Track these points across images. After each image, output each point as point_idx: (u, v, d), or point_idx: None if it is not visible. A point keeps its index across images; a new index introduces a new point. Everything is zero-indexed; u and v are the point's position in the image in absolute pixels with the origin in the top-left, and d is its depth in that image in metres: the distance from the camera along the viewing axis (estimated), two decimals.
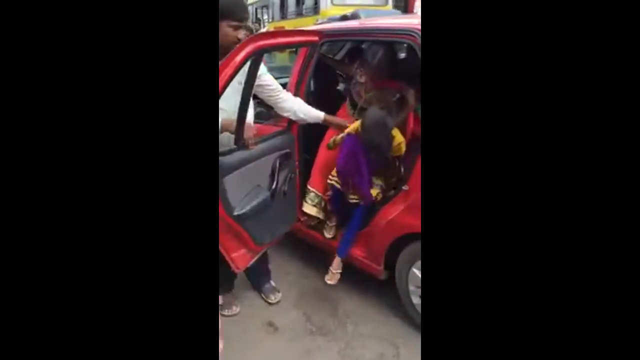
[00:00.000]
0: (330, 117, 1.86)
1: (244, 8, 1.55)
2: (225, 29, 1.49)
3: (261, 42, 1.40)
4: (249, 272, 1.98)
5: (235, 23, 1.50)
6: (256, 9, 9.47)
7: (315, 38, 1.68)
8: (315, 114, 1.79)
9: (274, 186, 1.67)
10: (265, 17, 9.21)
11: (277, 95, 1.70)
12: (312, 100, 1.97)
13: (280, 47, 1.96)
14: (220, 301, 1.93)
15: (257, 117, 1.92)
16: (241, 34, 1.56)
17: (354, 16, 2.33)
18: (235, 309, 1.91)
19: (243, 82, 1.50)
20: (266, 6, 9.10)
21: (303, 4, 7.45)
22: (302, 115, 1.74)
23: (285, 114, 1.75)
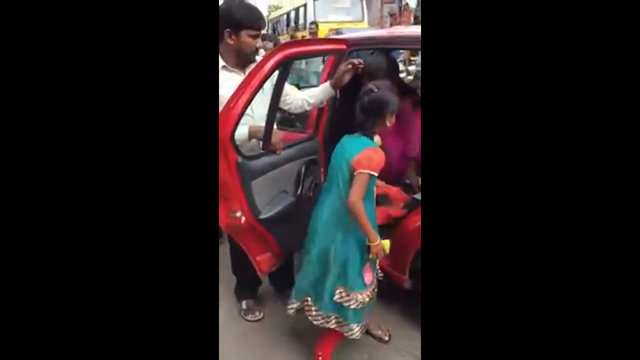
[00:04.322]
0: (335, 79, 1.70)
1: (261, 18, 1.62)
2: (246, 38, 1.55)
3: (290, 50, 1.44)
4: (273, 277, 1.99)
5: (254, 32, 1.56)
6: (272, 24, 12.63)
7: (343, 46, 1.71)
8: (323, 88, 1.73)
9: (299, 191, 1.68)
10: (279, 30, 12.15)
11: (289, 95, 1.73)
12: (339, 108, 1.98)
13: (308, 55, 1.99)
14: (244, 306, 1.94)
15: (280, 123, 1.95)
16: (259, 42, 1.65)
17: (339, 33, 2.38)
18: (259, 315, 1.92)
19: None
20: (279, 22, 12.22)
21: (298, 22, 10.28)
22: (313, 101, 1.75)
23: (299, 110, 1.78)
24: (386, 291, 1.96)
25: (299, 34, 8.98)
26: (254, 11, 1.57)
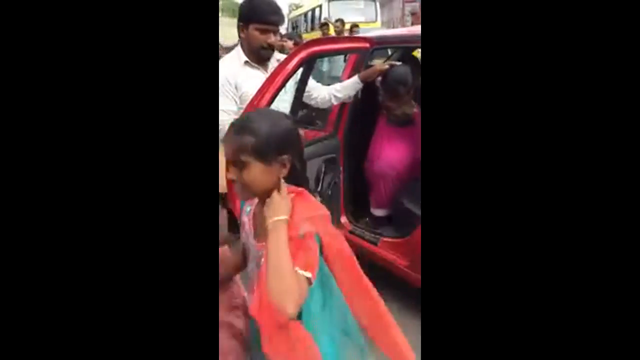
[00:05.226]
0: (365, 73, 1.69)
1: (273, 11, 1.47)
2: (253, 31, 1.46)
3: (314, 48, 1.46)
4: None
5: (262, 27, 1.45)
6: (292, 22, 12.98)
7: (366, 45, 1.71)
8: (351, 82, 1.70)
9: (318, 189, 1.70)
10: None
11: (314, 89, 1.71)
12: (360, 107, 1.98)
13: (332, 53, 2.00)
14: None
15: (300, 121, 1.95)
16: (271, 38, 1.47)
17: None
18: None
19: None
20: (298, 21, 12.69)
21: (314, 22, 10.85)
22: (341, 95, 1.71)
23: (327, 104, 1.75)
24: (402, 289, 1.96)
25: (309, 35, 9.22)
26: (268, 5, 1.47)
